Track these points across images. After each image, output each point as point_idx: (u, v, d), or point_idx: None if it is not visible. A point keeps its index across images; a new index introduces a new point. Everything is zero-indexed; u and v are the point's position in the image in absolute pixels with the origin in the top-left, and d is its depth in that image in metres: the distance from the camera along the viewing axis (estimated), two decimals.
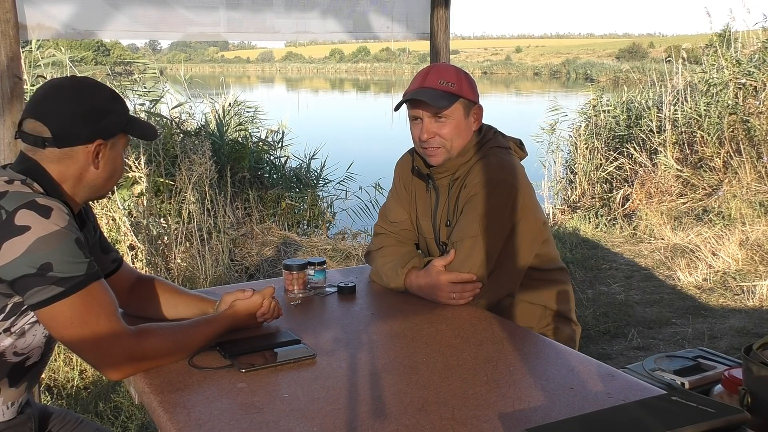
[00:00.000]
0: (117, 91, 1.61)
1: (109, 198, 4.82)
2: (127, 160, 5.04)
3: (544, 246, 2.09)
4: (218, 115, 7.30)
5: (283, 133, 7.75)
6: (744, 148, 7.02)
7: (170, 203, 5.23)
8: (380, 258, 2.14)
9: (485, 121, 2.12)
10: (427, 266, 1.99)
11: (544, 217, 2.09)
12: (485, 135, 2.08)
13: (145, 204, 5.08)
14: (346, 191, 7.54)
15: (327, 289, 2.10)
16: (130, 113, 1.62)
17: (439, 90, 1.97)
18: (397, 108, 2.07)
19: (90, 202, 1.71)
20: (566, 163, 8.51)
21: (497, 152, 2.03)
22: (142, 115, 6.54)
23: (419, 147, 2.07)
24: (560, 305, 2.13)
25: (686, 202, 6.87)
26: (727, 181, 6.94)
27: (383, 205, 2.29)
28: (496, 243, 1.95)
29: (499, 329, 1.77)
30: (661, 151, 7.49)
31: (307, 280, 2.07)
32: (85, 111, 1.51)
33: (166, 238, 5.01)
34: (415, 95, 1.98)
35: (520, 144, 2.15)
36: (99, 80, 1.69)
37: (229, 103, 7.86)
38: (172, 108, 7.04)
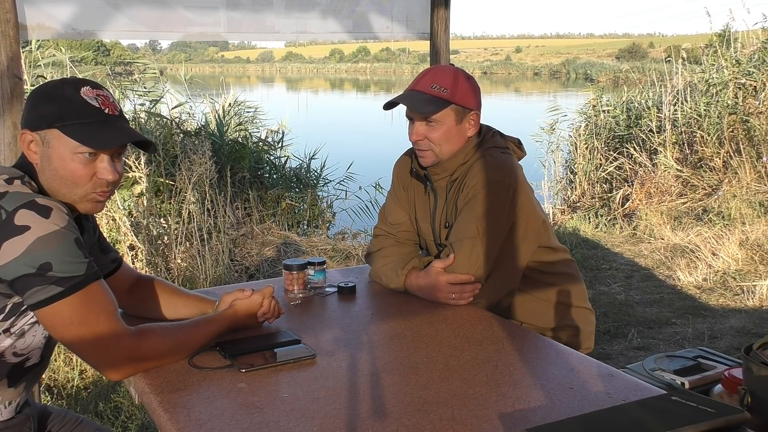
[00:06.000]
0: (108, 90, 1.52)
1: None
2: (126, 160, 5.03)
3: (547, 242, 2.09)
4: (218, 115, 7.30)
5: (283, 133, 7.74)
6: (744, 148, 7.02)
7: (170, 203, 5.23)
8: (380, 258, 2.14)
9: (486, 121, 2.11)
10: (427, 267, 1.99)
11: (543, 215, 2.09)
12: (484, 136, 2.08)
13: (145, 204, 5.08)
14: (346, 191, 7.54)
15: (327, 289, 2.10)
16: (88, 115, 1.45)
17: (429, 95, 1.97)
18: (385, 107, 2.06)
19: None
20: (566, 163, 8.51)
21: (494, 153, 2.02)
22: (142, 116, 6.53)
23: (413, 146, 2.08)
24: (574, 298, 2.14)
25: (686, 202, 6.87)
26: (726, 181, 6.94)
27: (382, 207, 2.29)
28: (494, 243, 1.94)
29: (499, 329, 1.77)
30: (661, 151, 7.49)
31: (307, 280, 2.07)
32: (29, 99, 1.50)
33: (166, 238, 5.01)
34: (401, 98, 1.99)
35: (518, 143, 2.15)
36: (96, 80, 1.66)
37: (229, 103, 7.86)
38: (172, 108, 7.03)
